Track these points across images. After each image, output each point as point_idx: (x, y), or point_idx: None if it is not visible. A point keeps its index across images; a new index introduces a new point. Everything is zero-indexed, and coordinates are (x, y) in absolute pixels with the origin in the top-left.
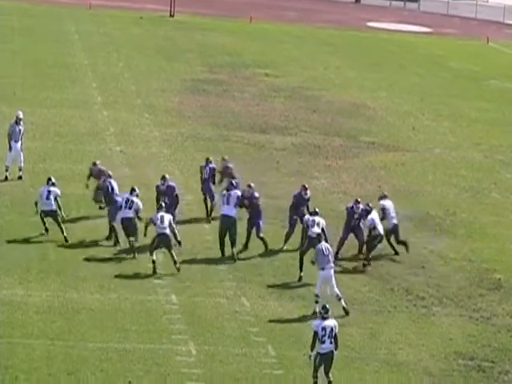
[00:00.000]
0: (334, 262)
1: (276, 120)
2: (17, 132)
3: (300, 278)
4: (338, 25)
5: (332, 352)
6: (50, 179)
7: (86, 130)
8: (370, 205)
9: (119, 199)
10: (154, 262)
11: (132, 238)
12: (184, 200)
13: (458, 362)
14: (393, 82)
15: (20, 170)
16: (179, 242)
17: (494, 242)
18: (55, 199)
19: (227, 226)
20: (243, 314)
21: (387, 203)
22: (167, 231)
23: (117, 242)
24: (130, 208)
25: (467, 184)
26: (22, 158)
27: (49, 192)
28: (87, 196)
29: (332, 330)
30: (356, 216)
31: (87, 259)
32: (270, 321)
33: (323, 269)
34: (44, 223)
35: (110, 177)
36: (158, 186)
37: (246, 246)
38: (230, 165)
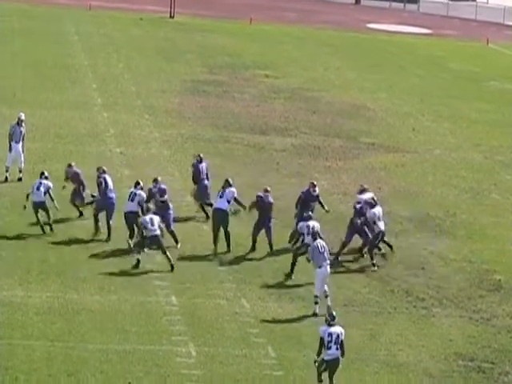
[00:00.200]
0: (338, 261)
1: (276, 121)
2: (17, 133)
3: (288, 276)
4: (337, 26)
5: (338, 359)
6: (43, 173)
7: (86, 131)
8: (375, 198)
9: (113, 195)
10: (138, 260)
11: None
12: (184, 202)
13: (458, 363)
14: (393, 83)
15: (20, 171)
16: (177, 241)
17: (494, 243)
18: (46, 192)
19: (220, 219)
20: (243, 316)
21: (366, 196)
22: (158, 232)
23: (97, 231)
24: (132, 200)
25: (467, 185)
26: (22, 158)
27: (40, 184)
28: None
29: (338, 336)
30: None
31: (87, 260)
32: (270, 322)
33: (320, 267)
34: (37, 216)
35: (104, 172)
36: (150, 189)
37: (253, 248)
38: (202, 165)
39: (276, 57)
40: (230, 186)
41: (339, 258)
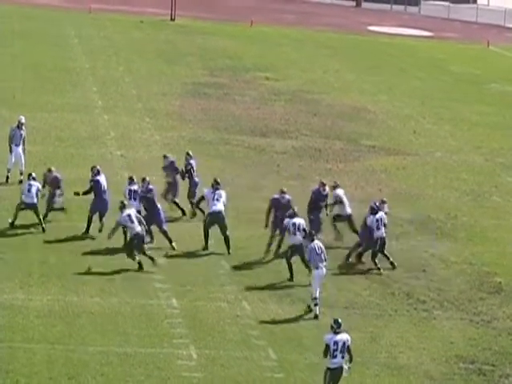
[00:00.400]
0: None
1: (276, 123)
2: (18, 136)
3: (289, 279)
4: (338, 28)
5: (341, 368)
6: (30, 174)
7: (86, 134)
8: (377, 204)
9: (107, 197)
10: (139, 263)
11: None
12: (186, 204)
13: (458, 366)
14: (393, 85)
15: (21, 173)
16: (170, 241)
17: (494, 246)
18: (37, 193)
19: (218, 221)
20: (244, 318)
21: (340, 192)
22: (139, 229)
23: (87, 232)
24: (134, 199)
25: (468, 187)
26: (23, 161)
27: (30, 186)
28: (89, 200)
29: (344, 344)
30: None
31: (88, 263)
32: (271, 324)
33: (317, 268)
34: (16, 215)
35: (99, 173)
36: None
37: (269, 247)
38: (193, 161)
39: (276, 59)
40: (218, 184)
41: (350, 259)
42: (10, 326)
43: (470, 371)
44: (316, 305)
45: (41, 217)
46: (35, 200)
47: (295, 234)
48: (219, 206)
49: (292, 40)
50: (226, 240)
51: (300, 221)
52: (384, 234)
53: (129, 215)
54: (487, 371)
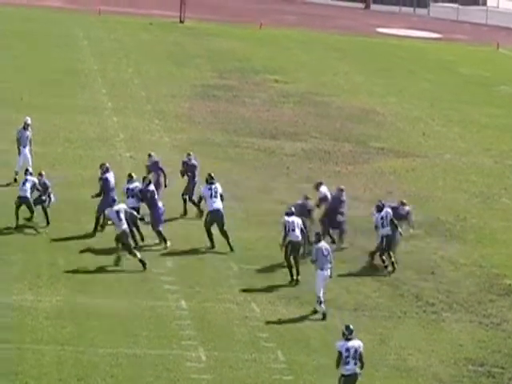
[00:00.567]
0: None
1: (286, 126)
2: (24, 137)
3: (292, 281)
4: (347, 30)
5: (356, 374)
6: (27, 170)
7: (95, 136)
8: (383, 202)
9: (115, 195)
10: (141, 261)
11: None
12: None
13: (467, 368)
14: (402, 87)
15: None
16: (165, 241)
17: (504, 248)
18: (33, 187)
19: (217, 219)
20: (253, 320)
21: (323, 189)
22: (125, 227)
23: (95, 231)
24: (132, 197)
25: (477, 189)
26: (30, 162)
27: (26, 180)
28: (95, 202)
29: (356, 350)
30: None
31: (97, 264)
32: (280, 326)
33: (322, 269)
34: (17, 213)
35: (107, 170)
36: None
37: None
38: (195, 162)
39: (285, 61)
40: (213, 178)
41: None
42: (19, 327)
43: (479, 374)
44: (320, 303)
45: (34, 211)
46: (28, 194)
47: (294, 231)
48: (218, 204)
49: (301, 42)
50: (225, 235)
51: (298, 220)
52: (390, 232)
53: (117, 211)
54: (496, 374)
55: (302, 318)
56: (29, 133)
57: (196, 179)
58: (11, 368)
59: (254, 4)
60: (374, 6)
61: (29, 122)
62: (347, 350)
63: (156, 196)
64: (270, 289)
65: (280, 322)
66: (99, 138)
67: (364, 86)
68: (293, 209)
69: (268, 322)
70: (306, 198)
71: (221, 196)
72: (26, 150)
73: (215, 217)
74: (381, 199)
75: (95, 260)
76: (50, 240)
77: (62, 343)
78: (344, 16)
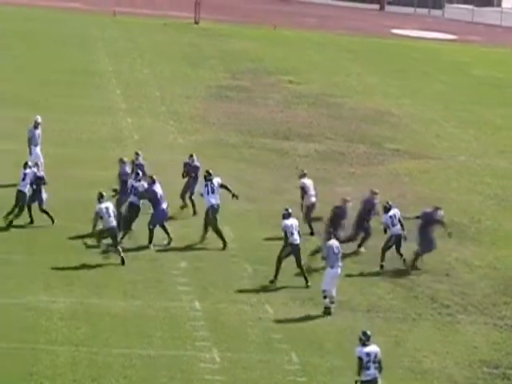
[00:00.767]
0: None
1: (299, 127)
2: (36, 137)
3: (272, 282)
4: (361, 32)
5: (376, 378)
6: (26, 163)
7: (109, 137)
8: (390, 203)
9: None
10: (120, 254)
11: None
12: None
13: (482, 370)
14: (417, 89)
15: None
16: (150, 242)
17: None
18: (31, 180)
19: (216, 214)
20: (267, 321)
21: (307, 182)
22: (114, 224)
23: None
24: (134, 195)
25: (492, 191)
26: (41, 161)
27: (24, 175)
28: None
29: (376, 355)
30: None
31: (111, 265)
32: (294, 327)
33: (332, 267)
34: (30, 212)
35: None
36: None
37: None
38: (198, 163)
39: (299, 62)
40: (210, 175)
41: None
42: (34, 328)
43: (494, 376)
44: (325, 297)
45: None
46: (25, 188)
47: (293, 234)
48: (214, 199)
49: (314, 43)
50: (219, 233)
51: (296, 222)
52: (400, 231)
53: (106, 207)
54: (511, 376)
55: (316, 320)
56: (39, 131)
57: (199, 180)
58: (26, 368)
59: (267, 5)
60: (388, 7)
61: (39, 120)
62: (367, 354)
63: (159, 196)
64: (283, 290)
65: (294, 323)
66: (113, 139)
67: (378, 88)
68: (290, 210)
69: (282, 323)
70: (346, 201)
71: (224, 186)
72: (38, 150)
73: (214, 211)
74: (388, 200)
75: (109, 261)
76: (64, 241)
77: (77, 344)
78: (358, 17)
